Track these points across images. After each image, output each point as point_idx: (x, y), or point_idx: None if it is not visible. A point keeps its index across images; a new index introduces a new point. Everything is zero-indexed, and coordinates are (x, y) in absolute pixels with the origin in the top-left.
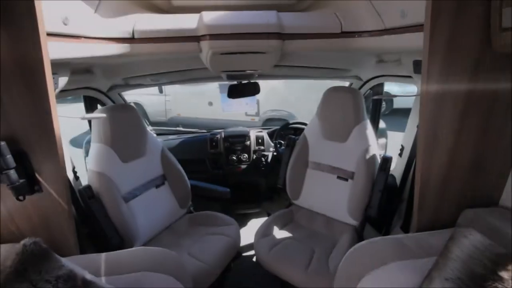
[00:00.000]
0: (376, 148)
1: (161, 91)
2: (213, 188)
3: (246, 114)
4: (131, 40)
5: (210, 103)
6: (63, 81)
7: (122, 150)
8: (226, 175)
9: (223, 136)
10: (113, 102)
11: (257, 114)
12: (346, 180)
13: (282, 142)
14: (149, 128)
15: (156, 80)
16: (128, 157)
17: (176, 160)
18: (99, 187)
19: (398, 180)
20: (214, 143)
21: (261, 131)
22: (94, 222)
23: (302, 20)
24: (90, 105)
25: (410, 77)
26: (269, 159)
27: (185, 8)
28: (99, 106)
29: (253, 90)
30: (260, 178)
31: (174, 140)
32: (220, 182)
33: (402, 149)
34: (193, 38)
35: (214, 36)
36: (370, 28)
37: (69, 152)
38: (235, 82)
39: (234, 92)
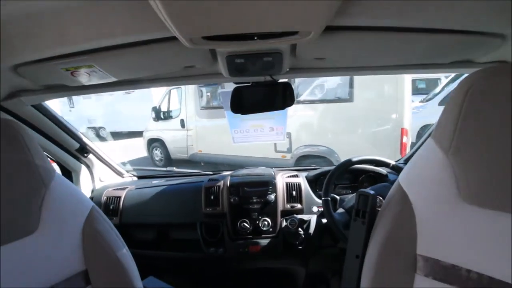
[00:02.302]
0: None
1: (183, 125)
2: None
3: (276, 150)
4: None
5: None
6: None
7: None
8: (232, 258)
9: (228, 184)
10: (27, 123)
11: (289, 150)
12: None
13: (338, 198)
14: (126, 168)
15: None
16: None
17: (119, 237)
18: None
19: None
20: (212, 196)
21: (296, 175)
22: None
23: None
24: None
25: None
26: (311, 228)
27: None
28: None
29: (282, 97)
30: (295, 264)
31: (153, 188)
32: (221, 271)
33: None
34: None
35: None
36: None
37: None
38: (245, 84)
39: (244, 101)
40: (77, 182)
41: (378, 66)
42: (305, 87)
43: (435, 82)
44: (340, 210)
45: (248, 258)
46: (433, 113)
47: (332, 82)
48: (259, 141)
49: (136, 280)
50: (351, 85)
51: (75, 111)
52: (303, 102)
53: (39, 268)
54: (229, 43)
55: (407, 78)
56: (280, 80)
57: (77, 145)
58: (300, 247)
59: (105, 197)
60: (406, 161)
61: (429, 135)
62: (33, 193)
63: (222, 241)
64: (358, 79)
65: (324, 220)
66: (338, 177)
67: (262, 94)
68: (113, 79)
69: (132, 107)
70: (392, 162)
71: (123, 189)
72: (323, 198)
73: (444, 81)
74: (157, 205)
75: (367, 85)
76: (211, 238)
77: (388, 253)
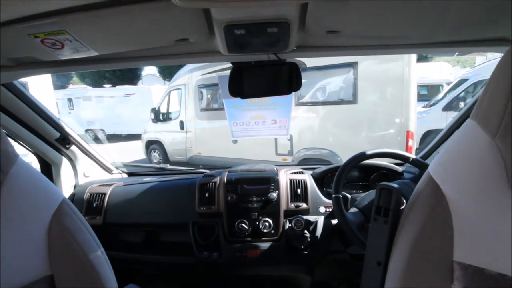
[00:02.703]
0: None
1: (182, 127)
2: None
3: (277, 153)
4: None
5: (235, 140)
6: None
7: None
8: (228, 264)
9: (224, 180)
10: None
11: (290, 152)
12: None
13: (349, 196)
14: (117, 164)
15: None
16: None
17: (93, 237)
18: None
19: None
20: (206, 194)
21: (301, 172)
22: None
23: None
24: None
25: None
26: (318, 231)
27: None
28: None
29: (288, 80)
30: (298, 271)
31: (142, 185)
32: (215, 278)
33: None
34: None
35: None
36: None
37: None
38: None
39: (244, 83)
40: (57, 176)
41: (399, 45)
42: (307, 89)
43: (437, 88)
44: (353, 209)
45: (246, 263)
46: (436, 118)
47: (335, 85)
48: (260, 136)
49: (111, 285)
50: (355, 86)
51: (75, 113)
52: (306, 104)
53: None
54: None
55: (413, 80)
56: (288, 60)
57: (57, 135)
58: (306, 252)
59: (88, 194)
60: (425, 157)
61: (460, 119)
62: None
63: (217, 244)
64: (362, 81)
65: (334, 222)
66: (349, 172)
67: (265, 75)
68: (93, 53)
69: (132, 109)
70: (412, 156)
71: (109, 185)
72: (333, 196)
73: (446, 87)
74: (146, 203)
75: (372, 86)
76: (205, 240)
77: (417, 260)
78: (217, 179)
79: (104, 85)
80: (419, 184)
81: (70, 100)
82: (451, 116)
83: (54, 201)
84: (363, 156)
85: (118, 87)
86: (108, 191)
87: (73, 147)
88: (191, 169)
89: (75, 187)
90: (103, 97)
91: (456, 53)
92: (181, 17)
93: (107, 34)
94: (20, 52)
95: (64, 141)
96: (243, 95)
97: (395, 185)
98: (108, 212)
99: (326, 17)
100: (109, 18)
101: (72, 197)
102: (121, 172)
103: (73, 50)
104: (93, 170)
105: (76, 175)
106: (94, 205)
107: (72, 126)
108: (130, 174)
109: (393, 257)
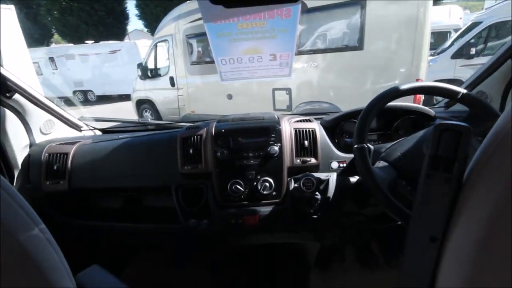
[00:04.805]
0: None
1: (172, 84)
2: None
3: (275, 108)
4: None
5: (230, 96)
6: None
7: None
8: (220, 233)
9: (213, 132)
10: None
11: (289, 107)
12: None
13: (372, 148)
14: (86, 119)
15: None
16: None
17: (25, 210)
18: None
19: None
20: (191, 150)
21: (308, 120)
22: None
23: None
24: None
25: None
26: (330, 191)
27: None
28: None
29: None
30: (306, 239)
31: (113, 141)
32: (206, 249)
33: None
34: None
35: None
36: None
37: None
38: None
39: None
40: (4, 134)
41: None
42: (307, 35)
43: (444, 35)
44: (381, 163)
45: (242, 232)
46: (445, 68)
47: (339, 28)
48: (256, 78)
49: (56, 275)
50: (361, 30)
51: (59, 74)
52: (305, 52)
53: None
54: None
55: (428, 22)
56: None
57: None
58: (315, 216)
59: (46, 154)
60: (471, 87)
61: None
62: None
63: (206, 210)
64: (370, 23)
65: (353, 179)
66: (375, 115)
67: None
68: None
69: (120, 67)
70: (463, 90)
71: (73, 143)
72: (356, 146)
73: (454, 35)
74: (119, 163)
75: (381, 29)
76: (192, 206)
77: (501, 235)
78: (203, 132)
79: (86, 41)
80: (497, 126)
81: (52, 59)
82: (460, 65)
83: None
84: (395, 92)
85: (101, 43)
86: (72, 150)
87: (18, 97)
88: (170, 123)
89: (31, 145)
90: (87, 54)
91: None
92: None
93: None
94: None
95: (0, 87)
96: (228, 2)
97: (464, 124)
98: (74, 175)
99: None
100: None
101: (28, 158)
102: (92, 128)
103: None
104: (54, 126)
105: (30, 132)
106: (55, 167)
107: (59, 88)
108: (105, 132)
109: (457, 231)
